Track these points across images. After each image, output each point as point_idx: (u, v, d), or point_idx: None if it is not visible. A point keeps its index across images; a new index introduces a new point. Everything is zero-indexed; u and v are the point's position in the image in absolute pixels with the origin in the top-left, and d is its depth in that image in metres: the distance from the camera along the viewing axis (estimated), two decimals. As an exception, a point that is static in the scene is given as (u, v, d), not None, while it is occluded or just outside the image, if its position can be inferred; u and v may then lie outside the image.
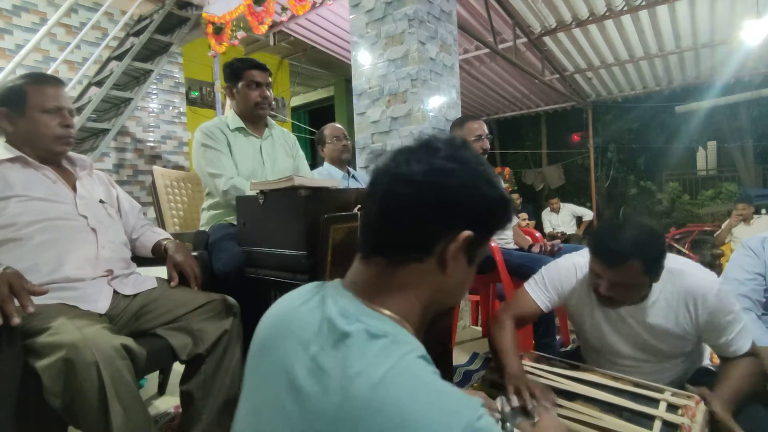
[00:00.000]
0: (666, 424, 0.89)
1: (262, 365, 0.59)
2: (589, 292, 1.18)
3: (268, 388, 0.55)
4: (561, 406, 0.97)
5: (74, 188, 1.25)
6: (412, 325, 0.56)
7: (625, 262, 1.01)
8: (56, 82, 1.24)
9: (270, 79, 1.79)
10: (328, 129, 2.46)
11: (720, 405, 0.94)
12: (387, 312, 0.54)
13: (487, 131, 2.09)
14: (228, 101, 3.89)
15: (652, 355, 1.17)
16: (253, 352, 0.62)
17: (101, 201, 1.31)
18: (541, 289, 1.26)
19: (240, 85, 1.74)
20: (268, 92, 1.77)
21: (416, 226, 0.55)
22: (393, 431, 0.43)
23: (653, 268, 1.04)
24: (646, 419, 0.90)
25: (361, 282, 0.58)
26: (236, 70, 1.74)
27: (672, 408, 0.92)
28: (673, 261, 1.13)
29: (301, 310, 0.58)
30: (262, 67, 1.76)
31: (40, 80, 1.21)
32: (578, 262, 1.24)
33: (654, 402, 0.94)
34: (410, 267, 0.56)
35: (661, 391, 0.97)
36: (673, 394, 0.95)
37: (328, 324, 0.53)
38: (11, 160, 1.16)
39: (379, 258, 0.57)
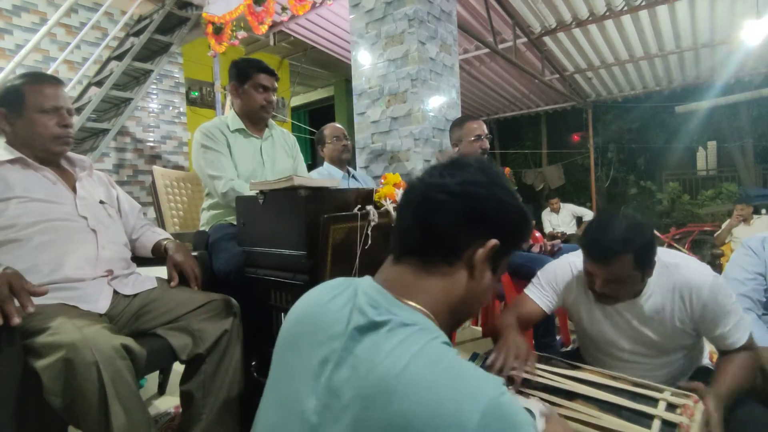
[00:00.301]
0: (665, 423, 0.89)
1: (291, 360, 0.61)
2: (586, 289, 1.19)
3: (296, 381, 0.57)
4: (561, 406, 0.97)
5: (74, 189, 1.25)
6: (439, 322, 0.58)
7: (615, 258, 1.03)
8: (54, 81, 1.24)
9: (276, 85, 1.80)
10: (328, 129, 2.46)
11: (714, 403, 0.94)
12: (416, 305, 0.57)
13: (486, 131, 2.09)
14: (228, 101, 3.89)
15: (651, 350, 1.18)
16: (280, 347, 0.64)
17: (101, 201, 1.31)
18: (540, 290, 1.28)
19: (246, 86, 1.74)
20: (273, 97, 1.77)
21: (448, 231, 0.59)
22: (421, 409, 0.45)
23: (644, 262, 1.05)
24: (646, 418, 0.90)
25: (392, 279, 0.61)
26: (245, 71, 1.74)
27: (671, 407, 0.92)
28: (668, 255, 1.16)
29: (329, 306, 0.61)
30: (271, 72, 1.76)
31: (37, 80, 1.21)
32: (573, 261, 1.26)
33: (653, 401, 0.94)
34: (440, 269, 0.60)
35: (660, 390, 0.97)
36: (673, 394, 0.95)
37: (358, 313, 0.56)
38: (11, 162, 1.16)
39: (411, 259, 0.61)
